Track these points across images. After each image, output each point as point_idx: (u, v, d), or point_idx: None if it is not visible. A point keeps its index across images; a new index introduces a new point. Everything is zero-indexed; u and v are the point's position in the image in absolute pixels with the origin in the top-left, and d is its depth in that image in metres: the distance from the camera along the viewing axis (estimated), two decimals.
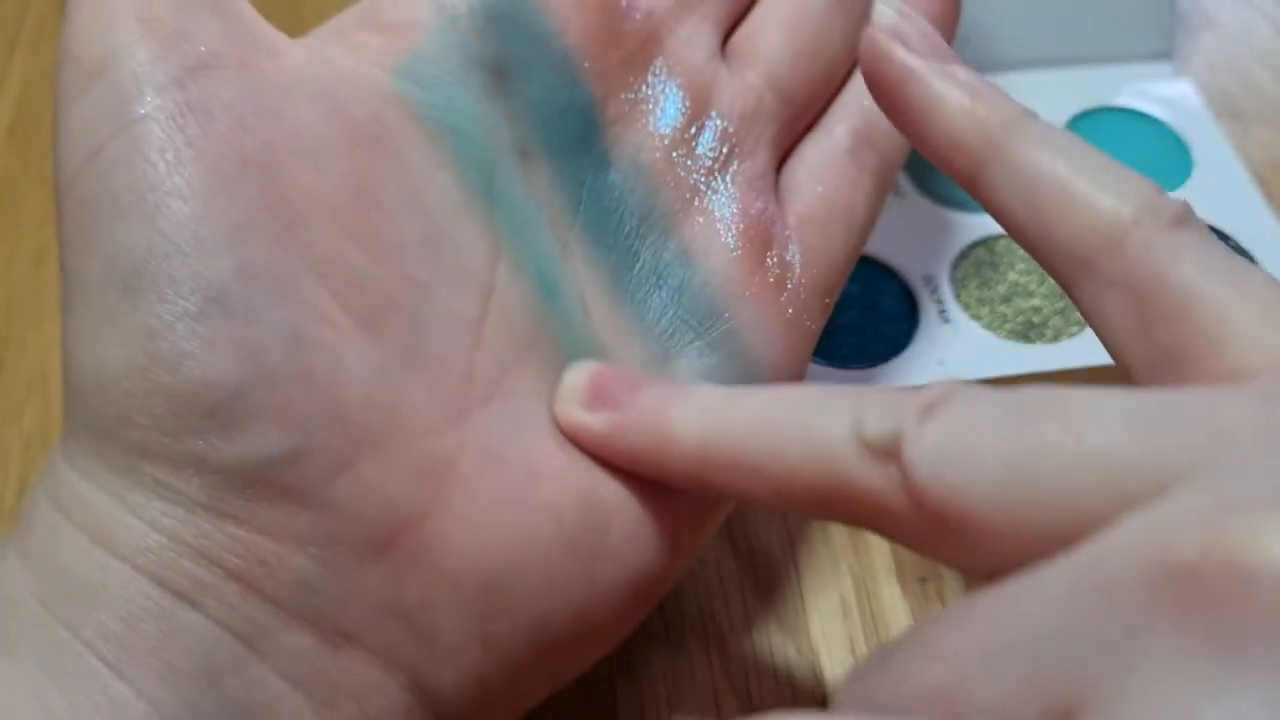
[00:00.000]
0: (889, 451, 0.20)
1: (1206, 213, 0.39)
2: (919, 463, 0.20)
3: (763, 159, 0.29)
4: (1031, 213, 0.24)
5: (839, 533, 0.33)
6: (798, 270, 0.29)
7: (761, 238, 0.28)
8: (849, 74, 0.31)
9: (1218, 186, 0.41)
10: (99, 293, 0.22)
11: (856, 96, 0.31)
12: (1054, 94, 0.43)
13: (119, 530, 0.21)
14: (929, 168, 0.41)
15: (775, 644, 0.31)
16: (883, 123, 0.30)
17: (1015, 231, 0.24)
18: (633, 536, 0.25)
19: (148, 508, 0.22)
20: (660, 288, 0.27)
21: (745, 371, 0.27)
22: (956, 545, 0.20)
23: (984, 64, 0.43)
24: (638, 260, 0.28)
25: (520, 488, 0.24)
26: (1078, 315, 0.37)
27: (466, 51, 0.26)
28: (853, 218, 0.30)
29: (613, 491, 0.25)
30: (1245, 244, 0.39)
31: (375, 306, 0.24)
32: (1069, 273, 0.23)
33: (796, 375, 0.29)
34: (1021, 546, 0.19)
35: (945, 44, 0.26)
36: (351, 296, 0.23)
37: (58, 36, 0.24)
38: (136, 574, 0.21)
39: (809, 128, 0.31)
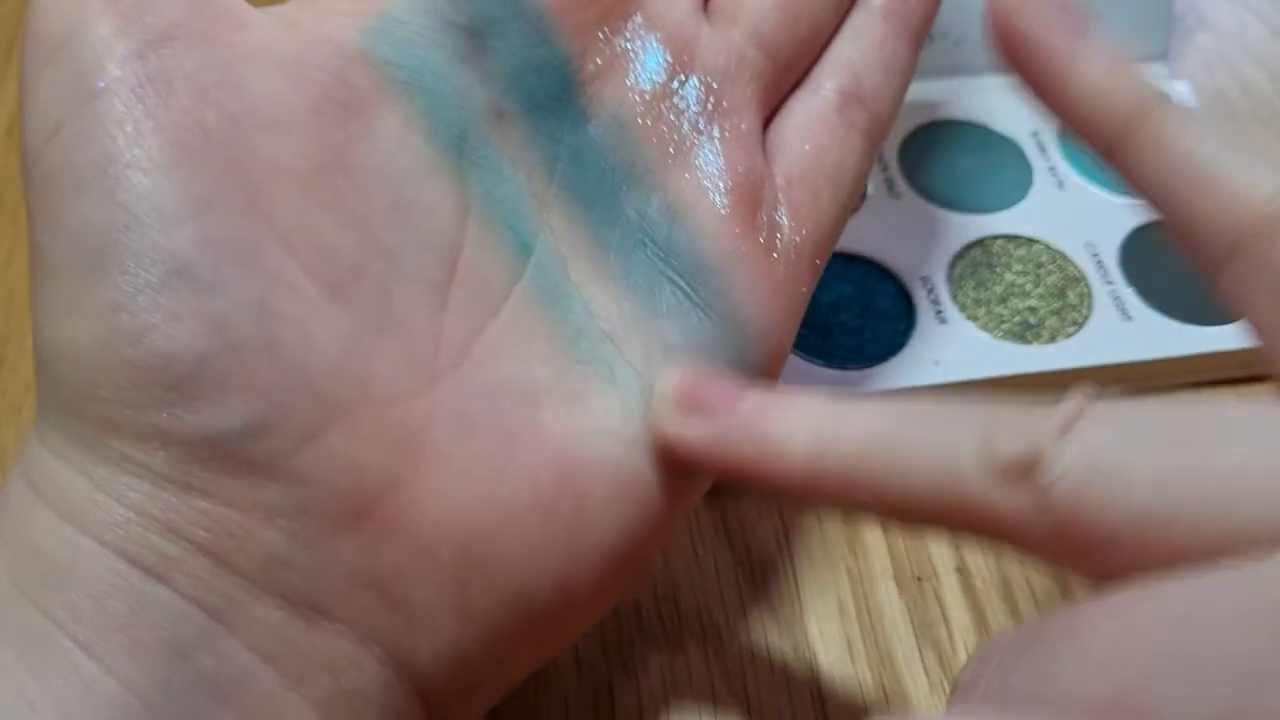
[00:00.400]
0: (1023, 472, 0.20)
1: None
2: (1059, 484, 0.19)
3: (749, 116, 0.28)
4: (1173, 194, 0.23)
5: (836, 532, 0.33)
6: (787, 231, 0.28)
7: (751, 196, 0.28)
8: (836, 29, 0.30)
9: None
10: (65, 268, 0.22)
11: (844, 53, 0.30)
12: None
13: (88, 507, 0.21)
14: (925, 168, 0.41)
15: (772, 643, 0.31)
16: (872, 79, 0.29)
17: (1156, 209, 0.24)
18: (613, 503, 0.25)
19: (115, 483, 0.21)
20: (646, 244, 0.27)
21: (734, 333, 0.27)
22: (1092, 559, 0.20)
23: (979, 66, 0.43)
24: (621, 216, 0.27)
25: (495, 454, 0.24)
26: (1073, 316, 0.37)
27: (439, 13, 0.26)
28: (842, 177, 0.29)
29: (592, 457, 0.25)
30: None
31: (343, 275, 0.23)
32: (1211, 257, 0.23)
33: (786, 340, 0.28)
34: (1167, 558, 0.18)
35: (1079, 11, 0.25)
36: (318, 266, 0.23)
37: None
38: (105, 550, 0.21)
39: (796, 85, 0.30)
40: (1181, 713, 0.16)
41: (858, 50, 0.30)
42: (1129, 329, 0.37)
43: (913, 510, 0.22)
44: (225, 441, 0.21)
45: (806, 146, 0.29)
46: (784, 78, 0.29)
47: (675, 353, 0.26)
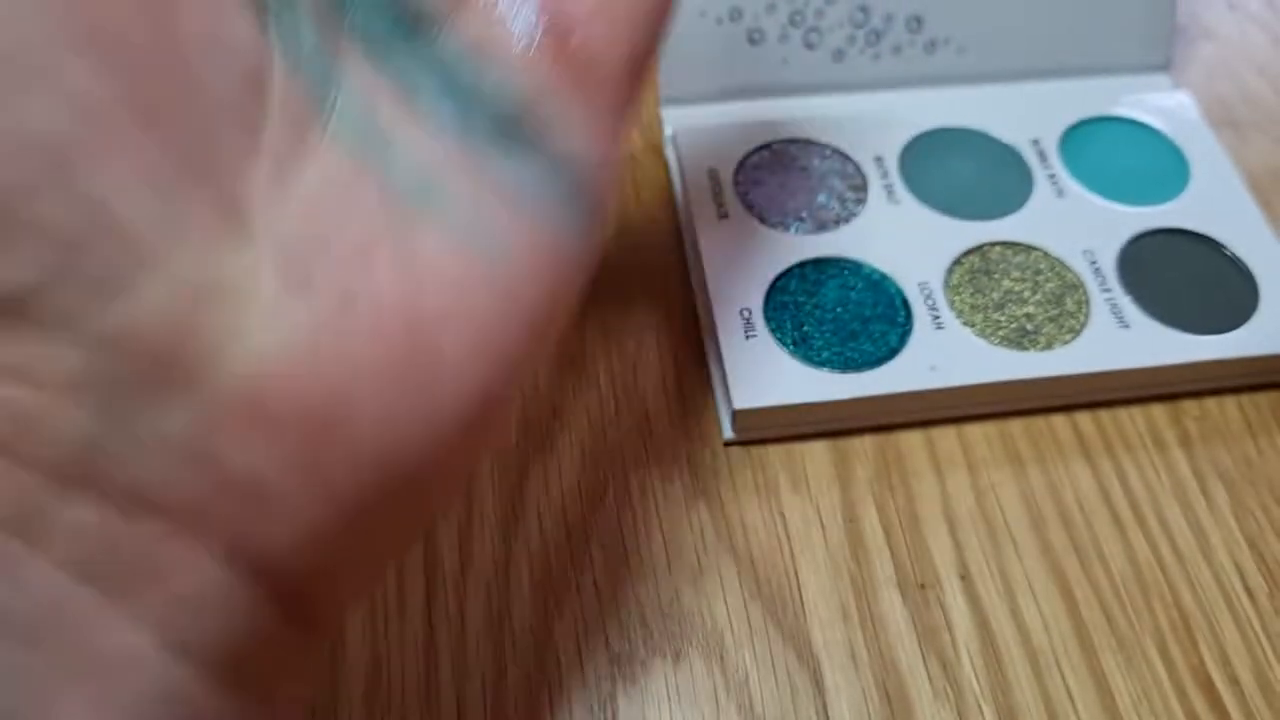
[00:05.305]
0: None
1: (1202, 223, 0.40)
2: None
3: None
4: None
5: (839, 540, 0.33)
6: (596, 56, 0.26)
7: (553, 28, 0.25)
8: None
9: (1214, 196, 0.41)
10: None
11: None
12: (1052, 104, 0.43)
13: None
14: (925, 175, 0.41)
15: (775, 651, 0.31)
16: None
17: None
18: (467, 356, 0.22)
19: None
20: (455, 89, 0.25)
21: (562, 167, 0.25)
22: None
23: (981, 74, 0.43)
24: (423, 61, 0.25)
25: (330, 310, 0.21)
26: (1071, 323, 0.37)
27: None
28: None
29: (436, 307, 0.22)
30: (1241, 254, 0.39)
31: (146, 105, 0.20)
32: None
33: (614, 165, 0.26)
34: None
35: None
36: (121, 87, 0.19)
37: None
38: None
39: None
40: None
41: None
42: (1126, 336, 0.37)
43: None
44: (11, 299, 0.18)
45: None
46: None
47: (505, 191, 0.24)
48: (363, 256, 0.22)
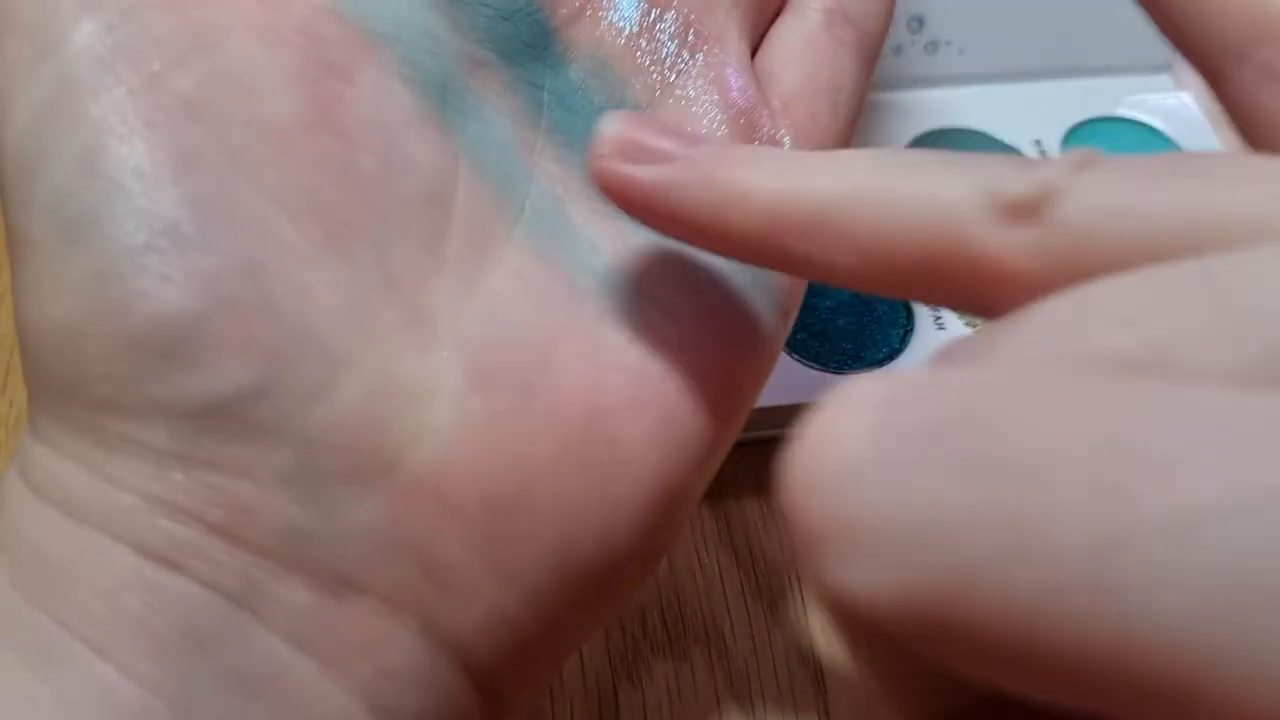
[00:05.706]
0: (1032, 207, 0.18)
1: None
2: (1073, 215, 0.17)
3: (735, 42, 0.27)
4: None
5: None
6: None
7: (747, 120, 0.27)
8: None
9: None
10: (42, 244, 0.21)
11: None
12: (1055, 104, 0.43)
13: (88, 497, 0.20)
14: None
15: (777, 650, 0.31)
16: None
17: (1159, 19, 0.23)
18: (648, 444, 0.23)
19: (116, 467, 0.20)
20: None
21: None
22: None
23: (983, 74, 0.43)
24: None
25: (513, 401, 0.23)
26: None
27: None
28: (838, 95, 0.28)
29: (617, 397, 0.23)
30: None
31: (336, 231, 0.22)
32: (1219, 65, 0.22)
33: None
34: None
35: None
36: (310, 222, 0.22)
37: None
38: (114, 544, 0.20)
39: (778, 11, 0.29)
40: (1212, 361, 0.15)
41: None
42: None
43: (891, 257, 0.20)
44: (229, 405, 0.20)
45: (798, 68, 0.28)
46: (766, 4, 0.29)
47: (692, 281, 0.25)
48: (546, 352, 0.23)
